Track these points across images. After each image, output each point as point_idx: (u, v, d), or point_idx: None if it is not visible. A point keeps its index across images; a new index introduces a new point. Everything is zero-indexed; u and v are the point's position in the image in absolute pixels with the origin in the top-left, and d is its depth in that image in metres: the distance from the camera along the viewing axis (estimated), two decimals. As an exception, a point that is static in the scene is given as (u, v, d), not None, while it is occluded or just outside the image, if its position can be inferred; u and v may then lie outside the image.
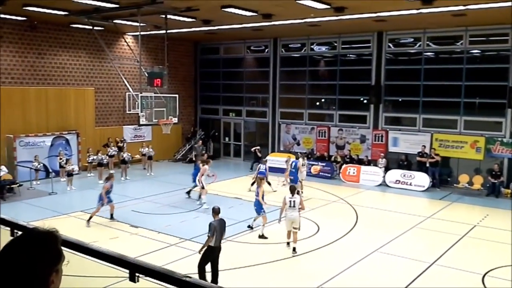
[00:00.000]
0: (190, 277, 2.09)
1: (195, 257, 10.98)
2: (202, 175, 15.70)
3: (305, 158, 19.29)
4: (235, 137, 27.23)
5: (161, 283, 2.12)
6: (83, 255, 2.38)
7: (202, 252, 9.32)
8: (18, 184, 17.35)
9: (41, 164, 19.18)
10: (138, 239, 12.32)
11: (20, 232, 2.61)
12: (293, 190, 11.85)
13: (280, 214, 11.95)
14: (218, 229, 9.29)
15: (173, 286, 2.05)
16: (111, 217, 13.91)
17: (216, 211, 9.69)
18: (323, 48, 23.89)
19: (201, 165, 16.31)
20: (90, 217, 13.47)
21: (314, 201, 16.85)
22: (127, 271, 2.15)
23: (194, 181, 16.66)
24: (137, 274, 2.13)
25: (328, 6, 14.88)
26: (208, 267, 9.31)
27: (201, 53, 28.01)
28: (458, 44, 19.79)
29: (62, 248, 1.91)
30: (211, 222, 9.42)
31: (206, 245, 9.33)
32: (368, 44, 21.80)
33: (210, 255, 9.28)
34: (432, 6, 14.56)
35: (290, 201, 11.53)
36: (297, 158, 18.54)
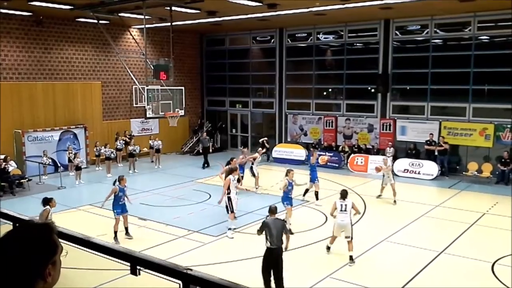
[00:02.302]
0: (191, 270, 2.08)
1: (203, 249, 11.07)
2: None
3: (316, 151, 17.26)
4: (242, 128, 27.21)
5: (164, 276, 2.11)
6: (86, 249, 2.38)
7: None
8: (27, 179, 17.49)
9: (50, 159, 19.30)
10: (147, 232, 12.38)
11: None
12: (344, 195, 10.61)
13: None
14: (271, 227, 8.50)
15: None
16: (126, 232, 11.74)
17: (272, 210, 9.05)
18: (330, 37, 23.71)
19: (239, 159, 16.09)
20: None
21: (321, 191, 16.76)
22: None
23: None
24: (138, 267, 2.13)
25: (334, -5, 14.76)
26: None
27: (207, 44, 27.93)
28: (466, 30, 19.54)
29: (65, 241, 1.91)
30: (264, 220, 8.86)
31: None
32: (375, 32, 21.60)
33: (268, 257, 8.55)
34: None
35: (341, 205, 10.46)
36: (311, 152, 17.05)
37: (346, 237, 10.30)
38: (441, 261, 10.36)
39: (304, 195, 15.40)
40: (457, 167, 19.74)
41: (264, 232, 8.62)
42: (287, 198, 12.41)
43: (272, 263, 8.53)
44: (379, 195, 16.01)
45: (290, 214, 12.17)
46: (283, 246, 8.72)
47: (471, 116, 19.41)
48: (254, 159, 17.22)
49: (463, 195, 16.57)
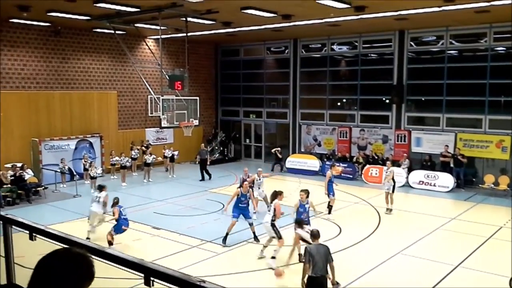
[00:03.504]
0: (205, 282, 2.08)
1: (216, 260, 11.05)
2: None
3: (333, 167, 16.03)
4: (256, 138, 27.25)
5: None
6: (99, 258, 2.40)
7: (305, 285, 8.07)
8: (43, 187, 17.70)
9: (67, 167, 19.52)
10: (160, 241, 12.42)
11: (38, 236, 2.65)
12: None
13: None
14: (316, 255, 7.94)
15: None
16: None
17: (315, 235, 8.48)
18: (344, 48, 23.71)
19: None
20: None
21: (336, 202, 16.69)
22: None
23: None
24: (152, 279, 2.14)
25: (349, 6, 14.76)
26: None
27: (222, 55, 28.12)
28: (482, 41, 19.40)
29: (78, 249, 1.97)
30: (306, 247, 8.26)
31: (304, 274, 8.06)
32: (390, 43, 21.56)
33: (310, 287, 8.01)
34: (455, 3, 14.32)
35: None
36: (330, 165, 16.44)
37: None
38: (457, 275, 10.20)
39: (329, 212, 14.91)
40: (473, 179, 19.49)
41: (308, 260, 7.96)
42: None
43: None
44: (387, 208, 15.58)
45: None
46: (329, 276, 8.12)
47: (487, 128, 19.18)
48: (253, 181, 15.20)
49: (480, 208, 16.33)
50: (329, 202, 15.01)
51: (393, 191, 15.59)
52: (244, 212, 12.36)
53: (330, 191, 14.99)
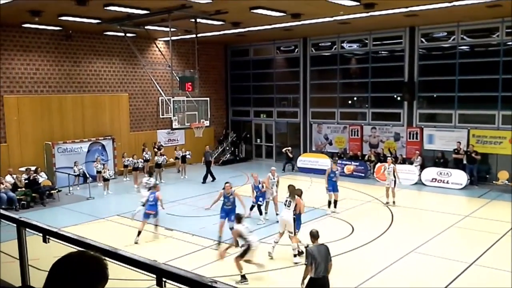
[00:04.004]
0: (216, 282, 2.09)
1: (229, 260, 11.06)
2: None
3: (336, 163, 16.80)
4: (267, 138, 27.24)
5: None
6: (112, 260, 2.42)
7: (304, 285, 7.96)
8: (57, 190, 17.88)
9: (81, 170, 19.70)
10: (173, 242, 12.48)
11: (52, 238, 2.69)
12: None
13: None
14: (317, 256, 7.82)
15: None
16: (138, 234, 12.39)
17: (314, 235, 8.35)
18: (354, 46, 23.60)
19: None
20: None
21: (348, 201, 16.65)
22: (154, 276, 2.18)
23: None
24: (164, 279, 2.16)
25: (358, 3, 14.71)
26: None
27: (231, 55, 28.17)
28: (494, 36, 19.19)
29: (91, 252, 1.99)
30: (307, 248, 8.21)
31: (305, 276, 7.96)
32: (400, 40, 21.42)
33: None
34: (465, -1, 14.19)
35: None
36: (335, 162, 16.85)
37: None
38: (471, 273, 10.11)
39: (331, 206, 15.31)
40: (487, 176, 19.29)
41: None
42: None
43: None
44: (387, 202, 16.27)
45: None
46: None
47: (500, 124, 18.97)
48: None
49: (494, 205, 16.15)
50: (333, 199, 15.25)
51: (394, 186, 16.28)
52: (230, 214, 12.02)
53: (330, 185, 15.21)
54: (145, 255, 2.33)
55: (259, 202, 14.24)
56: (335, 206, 15.19)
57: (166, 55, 22.71)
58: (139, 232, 12.31)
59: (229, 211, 12.14)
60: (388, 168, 16.49)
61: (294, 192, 11.33)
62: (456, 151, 19.37)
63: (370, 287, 9.42)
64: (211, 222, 14.18)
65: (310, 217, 14.50)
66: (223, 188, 12.58)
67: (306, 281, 7.95)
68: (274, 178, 15.12)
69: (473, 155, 18.72)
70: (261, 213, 14.32)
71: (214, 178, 20.79)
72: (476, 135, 19.38)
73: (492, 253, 11.30)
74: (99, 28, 19.30)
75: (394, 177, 16.25)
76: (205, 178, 20.78)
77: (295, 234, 10.92)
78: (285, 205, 11.28)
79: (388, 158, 18.03)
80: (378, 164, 20.90)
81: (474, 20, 18.84)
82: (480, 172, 19.22)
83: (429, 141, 20.74)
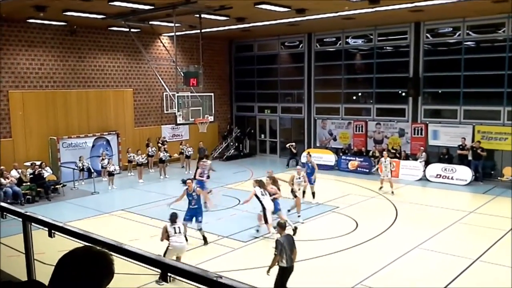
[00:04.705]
0: (221, 277, 2.10)
1: (233, 255, 11.11)
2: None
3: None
4: (271, 134, 27.23)
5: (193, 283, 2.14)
6: (117, 255, 2.43)
7: (273, 274, 8.34)
8: (62, 185, 17.95)
9: (86, 164, 19.76)
10: (177, 237, 12.48)
11: (57, 233, 2.70)
12: (174, 219, 9.93)
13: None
14: (286, 246, 8.22)
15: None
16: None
17: (282, 226, 8.67)
18: (359, 41, 23.51)
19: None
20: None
21: (352, 197, 16.66)
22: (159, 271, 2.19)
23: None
24: (169, 274, 2.16)
25: (363, -2, 14.65)
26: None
27: (236, 51, 28.13)
28: (500, 31, 19.06)
29: (98, 247, 2.00)
30: (278, 239, 8.40)
31: (273, 264, 8.34)
32: (405, 35, 21.32)
33: (284, 277, 8.26)
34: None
35: (175, 228, 9.75)
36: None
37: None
38: (476, 269, 10.10)
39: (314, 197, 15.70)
40: (492, 172, 19.22)
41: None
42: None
43: (287, 282, 8.28)
44: (381, 187, 17.44)
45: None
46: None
47: (505, 120, 18.87)
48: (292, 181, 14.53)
49: (498, 201, 16.11)
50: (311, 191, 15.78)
51: (391, 176, 17.44)
52: (195, 214, 11.77)
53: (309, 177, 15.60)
54: (150, 250, 2.33)
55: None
56: (313, 197, 15.61)
57: (170, 50, 22.71)
58: None
59: (195, 212, 11.77)
60: (385, 162, 17.36)
61: (263, 185, 12.28)
62: (461, 147, 19.30)
63: (374, 283, 9.43)
64: (215, 217, 14.24)
65: (314, 212, 14.54)
66: (186, 187, 12.20)
67: (271, 269, 8.39)
68: (299, 177, 14.57)
69: (479, 151, 18.64)
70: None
71: (208, 177, 20.13)
72: (481, 131, 19.31)
73: (497, 249, 11.27)
74: (103, 23, 19.31)
75: (391, 170, 17.50)
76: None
77: (266, 222, 11.83)
78: (262, 195, 12.09)
79: (384, 152, 18.64)
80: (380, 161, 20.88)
81: (480, 16, 18.71)
82: (485, 168, 19.14)
83: (434, 137, 20.68)
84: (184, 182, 15.82)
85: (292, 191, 13.95)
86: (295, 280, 8.59)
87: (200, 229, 11.72)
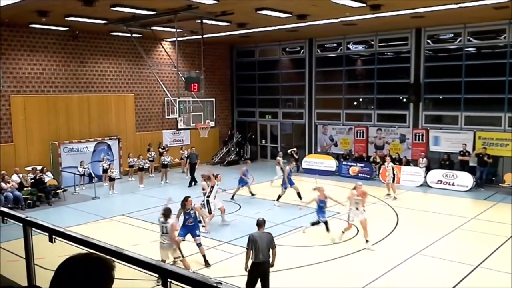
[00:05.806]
0: (221, 283, 2.10)
1: (233, 260, 11.07)
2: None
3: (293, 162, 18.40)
4: (272, 139, 27.24)
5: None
6: (117, 260, 2.43)
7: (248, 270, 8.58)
8: (63, 189, 17.95)
9: (87, 169, 19.77)
10: (178, 242, 12.45)
11: (58, 238, 2.70)
12: (167, 214, 10.02)
13: None
14: (258, 242, 8.39)
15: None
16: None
17: (259, 223, 8.81)
18: (360, 47, 23.56)
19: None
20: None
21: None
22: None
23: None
24: (169, 280, 2.16)
25: (364, 4, 14.68)
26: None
27: (237, 56, 28.20)
28: (501, 38, 19.09)
29: (98, 253, 2.00)
30: (250, 235, 8.60)
31: (247, 259, 8.59)
32: (406, 41, 21.36)
33: (254, 272, 8.45)
34: (472, 0, 14.11)
35: (163, 227, 9.91)
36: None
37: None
38: (476, 275, 10.06)
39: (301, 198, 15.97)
40: (493, 178, 19.19)
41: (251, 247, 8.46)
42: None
43: (259, 277, 8.46)
44: (388, 194, 17.70)
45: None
46: (270, 260, 8.60)
47: (506, 126, 18.87)
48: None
49: (500, 207, 16.07)
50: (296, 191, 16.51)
51: (393, 182, 17.91)
52: (191, 230, 10.87)
53: (290, 182, 16.65)
54: (150, 256, 2.33)
55: (322, 218, 12.73)
56: (300, 198, 16.04)
57: (172, 55, 22.77)
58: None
59: (190, 229, 10.89)
60: (388, 166, 17.99)
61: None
62: (462, 153, 19.29)
63: (375, 289, 9.40)
64: (215, 223, 14.21)
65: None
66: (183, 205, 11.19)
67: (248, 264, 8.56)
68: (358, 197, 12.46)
69: (485, 158, 18.59)
70: (328, 230, 12.65)
71: (195, 182, 19.57)
72: (482, 137, 19.29)
73: (498, 255, 11.24)
74: (105, 28, 19.38)
75: (393, 174, 17.91)
76: (191, 182, 20.01)
77: (210, 213, 13.53)
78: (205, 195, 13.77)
79: (387, 157, 19.00)
80: (383, 166, 20.86)
81: (481, 22, 18.75)
82: (486, 174, 19.11)
83: (435, 143, 20.67)
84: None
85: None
86: (297, 286, 8.57)
87: (199, 244, 10.70)
